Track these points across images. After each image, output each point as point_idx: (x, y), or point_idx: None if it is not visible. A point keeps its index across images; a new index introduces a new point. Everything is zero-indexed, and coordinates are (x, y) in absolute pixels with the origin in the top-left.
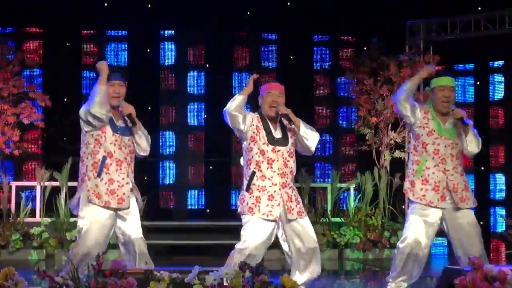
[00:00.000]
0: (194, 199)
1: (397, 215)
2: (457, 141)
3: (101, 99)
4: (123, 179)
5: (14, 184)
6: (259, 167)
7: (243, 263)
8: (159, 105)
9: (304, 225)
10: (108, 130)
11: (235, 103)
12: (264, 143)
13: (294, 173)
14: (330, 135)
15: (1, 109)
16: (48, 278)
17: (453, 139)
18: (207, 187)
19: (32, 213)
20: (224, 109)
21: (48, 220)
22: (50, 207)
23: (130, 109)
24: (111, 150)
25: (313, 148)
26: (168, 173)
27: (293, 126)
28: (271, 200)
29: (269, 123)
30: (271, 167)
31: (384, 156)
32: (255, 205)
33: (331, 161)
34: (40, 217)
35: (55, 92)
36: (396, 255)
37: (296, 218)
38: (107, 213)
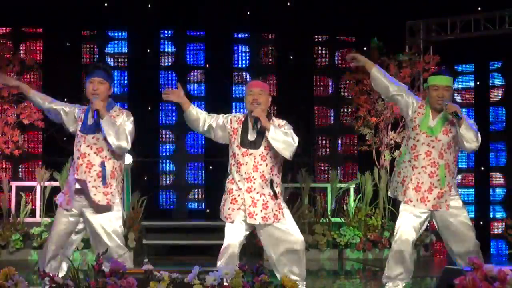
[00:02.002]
0: (194, 199)
1: (397, 215)
2: (441, 141)
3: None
4: (72, 180)
5: (14, 184)
6: (230, 169)
7: (243, 263)
8: (159, 105)
9: (283, 229)
10: (77, 130)
11: (188, 121)
12: (236, 146)
13: (270, 178)
14: (330, 135)
15: (1, 109)
16: (48, 278)
17: (433, 137)
18: (207, 187)
19: (32, 213)
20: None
21: (48, 220)
22: (50, 207)
23: (98, 104)
24: (75, 150)
25: (286, 154)
26: (168, 173)
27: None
28: (234, 204)
29: (250, 124)
30: (239, 171)
31: (384, 156)
32: (222, 208)
33: (331, 161)
34: (40, 217)
35: (55, 92)
36: (390, 254)
37: (260, 223)
38: (65, 213)
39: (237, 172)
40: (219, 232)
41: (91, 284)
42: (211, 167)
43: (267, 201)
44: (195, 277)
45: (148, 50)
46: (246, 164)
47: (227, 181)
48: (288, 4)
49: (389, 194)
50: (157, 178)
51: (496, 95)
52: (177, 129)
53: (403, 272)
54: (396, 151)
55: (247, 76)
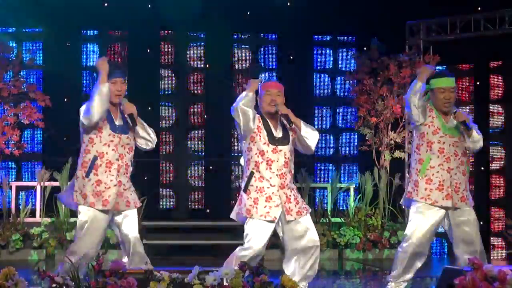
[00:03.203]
0: (194, 199)
1: (397, 215)
2: (460, 139)
3: (100, 98)
4: (111, 181)
5: (14, 184)
6: (258, 167)
7: (243, 263)
8: (159, 105)
9: (304, 224)
10: (105, 129)
11: (246, 99)
12: (264, 143)
13: (293, 172)
14: (330, 135)
15: (1, 109)
16: (48, 278)
17: (457, 137)
18: (207, 187)
19: (32, 213)
20: (234, 106)
21: (48, 220)
22: (50, 207)
23: (132, 109)
24: (103, 151)
25: (313, 148)
26: (168, 173)
27: (293, 126)
28: (269, 202)
29: (269, 122)
30: (270, 168)
31: (384, 156)
32: (253, 207)
33: (331, 161)
34: (40, 217)
35: (55, 92)
36: (399, 255)
37: (295, 218)
38: (101, 214)
39: (267, 169)
40: (219, 232)
41: (91, 284)
42: (211, 167)
43: (297, 196)
44: (195, 277)
45: (148, 50)
46: (277, 161)
47: (252, 179)
48: (288, 4)
49: (425, 201)
50: (157, 178)
51: (496, 95)
52: (177, 129)
53: (412, 273)
54: (397, 151)
55: (247, 76)
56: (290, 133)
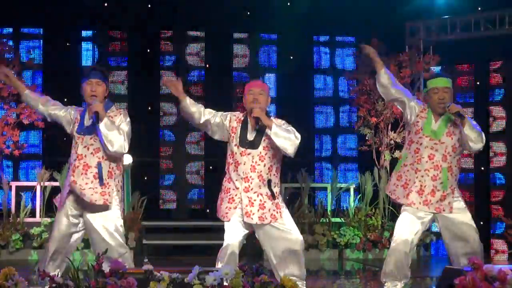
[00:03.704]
0: (194, 199)
1: (397, 215)
2: (445, 143)
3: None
4: (68, 181)
5: (14, 184)
6: (228, 168)
7: (243, 263)
8: (159, 105)
9: (281, 228)
10: (74, 132)
11: (183, 111)
12: (235, 145)
13: (268, 178)
14: (330, 135)
15: (1, 109)
16: (48, 278)
17: (437, 140)
18: (207, 187)
19: (32, 213)
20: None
21: (48, 220)
22: (50, 207)
23: (97, 107)
24: (71, 153)
25: (289, 151)
26: (168, 173)
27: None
28: (231, 203)
29: (250, 123)
30: (237, 170)
31: (384, 156)
32: (219, 206)
33: (331, 161)
34: (40, 217)
35: (55, 92)
36: (389, 254)
37: (257, 223)
38: (61, 216)
39: (234, 171)
40: (219, 232)
41: (91, 284)
42: (211, 167)
43: (265, 201)
44: (195, 277)
45: (148, 50)
46: (244, 164)
47: (224, 180)
48: (288, 4)
49: (386, 192)
50: (157, 178)
51: (496, 95)
52: (177, 129)
53: (401, 273)
54: (396, 151)
55: (247, 76)
56: (264, 137)
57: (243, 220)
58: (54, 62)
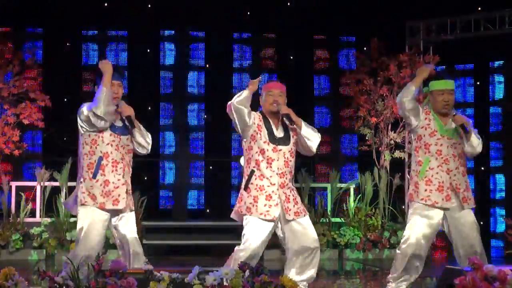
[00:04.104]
0: (194, 199)
1: (397, 215)
2: (459, 141)
3: (107, 100)
4: (118, 180)
5: (14, 184)
6: (258, 166)
7: (243, 263)
8: (159, 105)
9: (304, 224)
10: (106, 130)
11: (241, 97)
12: (265, 142)
13: (293, 173)
14: (330, 135)
15: (1, 109)
16: (48, 278)
17: (455, 139)
18: (207, 187)
19: (32, 213)
20: (229, 103)
21: (48, 220)
22: (50, 207)
23: (129, 111)
24: (107, 151)
25: (314, 149)
26: (168, 173)
27: (294, 126)
28: (269, 200)
29: (271, 121)
30: (270, 167)
31: (384, 156)
32: (253, 205)
33: (331, 161)
34: (40, 217)
35: (55, 92)
36: (398, 256)
37: (294, 219)
38: (104, 214)
39: (267, 168)
40: (219, 232)
41: (91, 284)
42: (211, 167)
43: (296, 196)
44: (195, 277)
45: (148, 50)
46: (278, 160)
47: (252, 177)
48: (288, 4)
49: (425, 202)
50: (157, 178)
51: (496, 95)
52: (177, 129)
53: (412, 274)
54: (397, 151)
55: (247, 76)
56: (291, 134)
57: (280, 218)
58: (54, 61)
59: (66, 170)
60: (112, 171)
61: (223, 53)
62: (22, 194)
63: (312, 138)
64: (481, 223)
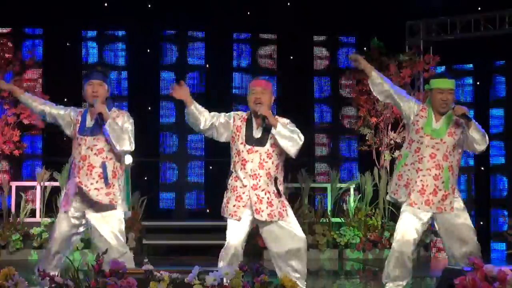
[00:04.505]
0: (194, 199)
1: (397, 215)
2: (445, 142)
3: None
4: (72, 183)
5: (14, 184)
6: (234, 167)
7: (243, 263)
8: (159, 105)
9: (284, 226)
10: (76, 133)
11: (189, 119)
12: (241, 143)
13: (275, 176)
14: (330, 135)
15: (1, 109)
16: (48, 278)
17: (438, 139)
18: (207, 187)
19: (32, 213)
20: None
21: (48, 220)
22: (50, 207)
23: (101, 108)
24: (73, 154)
25: (292, 152)
26: (168, 173)
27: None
28: (239, 201)
29: (254, 121)
30: (244, 168)
31: (384, 156)
32: (226, 206)
33: (331, 161)
34: (40, 217)
35: (55, 92)
36: (390, 255)
37: (266, 220)
38: (64, 216)
39: (241, 169)
40: (219, 232)
41: (91, 284)
42: (211, 167)
43: (272, 199)
44: (195, 277)
45: (148, 50)
46: (252, 161)
47: (230, 178)
48: (288, 4)
49: (387, 198)
50: (157, 178)
51: (496, 95)
52: (177, 129)
53: (402, 273)
54: (397, 151)
55: (247, 76)
56: (271, 135)
57: (250, 218)
58: (54, 62)
59: (66, 170)
60: (72, 174)
61: (223, 53)
62: (22, 194)
63: (285, 140)
64: (481, 223)
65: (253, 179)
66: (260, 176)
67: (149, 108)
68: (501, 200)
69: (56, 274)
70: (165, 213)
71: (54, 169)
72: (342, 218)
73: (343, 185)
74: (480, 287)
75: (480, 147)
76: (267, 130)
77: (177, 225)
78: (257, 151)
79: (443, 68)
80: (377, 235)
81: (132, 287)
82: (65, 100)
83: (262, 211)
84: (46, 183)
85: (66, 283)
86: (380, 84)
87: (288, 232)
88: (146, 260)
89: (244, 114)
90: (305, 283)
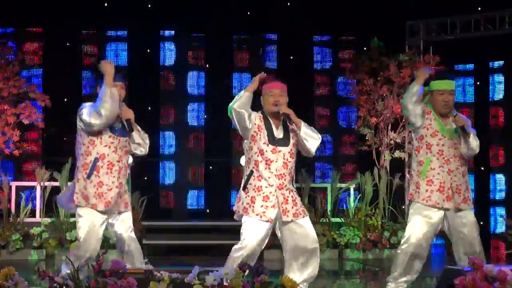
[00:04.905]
0: (194, 199)
1: (397, 215)
2: (459, 141)
3: (113, 100)
4: (112, 182)
5: (14, 184)
6: (257, 166)
7: (243, 263)
8: (159, 105)
9: (303, 225)
10: (106, 131)
11: (241, 100)
12: (264, 143)
13: (293, 174)
14: (330, 135)
15: (1, 109)
16: (48, 278)
17: (455, 139)
18: (207, 187)
19: (32, 213)
20: (229, 105)
21: (48, 220)
22: (50, 207)
23: (129, 114)
24: (104, 152)
25: (313, 151)
26: (168, 173)
27: (294, 126)
28: (266, 201)
29: (272, 122)
30: (269, 168)
31: (384, 156)
32: (250, 206)
33: (331, 161)
34: (40, 217)
35: (55, 92)
36: (398, 256)
37: (292, 220)
38: (100, 216)
39: (266, 169)
40: (219, 232)
41: (91, 284)
42: (211, 167)
43: (295, 198)
44: (195, 277)
45: (148, 50)
46: (277, 161)
47: (251, 178)
48: (288, 4)
49: (426, 203)
50: (157, 178)
51: (496, 95)
52: (177, 129)
53: (412, 275)
54: (397, 151)
55: (247, 76)
56: (292, 135)
57: (277, 219)
58: (54, 62)
59: (66, 170)
60: (107, 173)
61: (223, 53)
62: (22, 194)
63: (311, 140)
64: (481, 223)
65: (278, 179)
66: (285, 176)
67: (149, 108)
68: (501, 200)
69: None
70: (165, 213)
71: (54, 169)
72: (342, 218)
73: (343, 185)
74: (480, 287)
75: (473, 153)
76: (287, 130)
77: (177, 225)
78: (280, 151)
79: (443, 68)
80: (377, 235)
81: (132, 287)
82: (65, 100)
83: (288, 211)
84: (46, 183)
85: (66, 283)
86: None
87: (305, 231)
88: (146, 260)
89: (260, 114)
90: (306, 284)
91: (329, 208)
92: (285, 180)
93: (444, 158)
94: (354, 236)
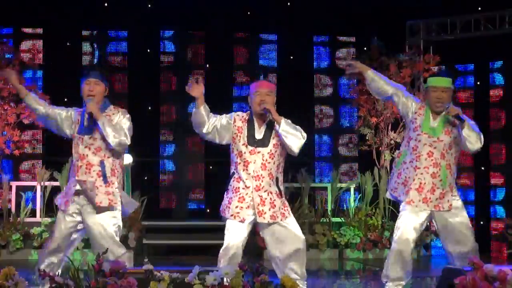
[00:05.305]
0: (194, 199)
1: (397, 215)
2: (443, 141)
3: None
4: (72, 182)
5: (14, 184)
6: (236, 168)
7: (243, 263)
8: (159, 105)
9: (287, 226)
10: (75, 132)
11: (194, 122)
12: (243, 144)
13: (276, 176)
14: (330, 135)
15: (1, 109)
16: (48, 278)
17: (436, 138)
18: (207, 187)
19: (32, 213)
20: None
21: (48, 220)
22: (50, 207)
23: (92, 107)
24: (72, 153)
25: (294, 149)
26: (168, 173)
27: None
28: (241, 202)
29: (256, 122)
30: (246, 169)
31: (384, 156)
32: (227, 207)
33: (331, 161)
34: (40, 217)
35: (55, 92)
36: (388, 254)
37: (269, 222)
38: (63, 215)
39: (244, 170)
40: (219, 232)
41: (91, 284)
42: (211, 167)
43: (274, 200)
44: (195, 277)
45: (148, 50)
46: (254, 163)
47: (232, 179)
48: (288, 4)
49: (386, 195)
50: (157, 178)
51: (496, 95)
52: (177, 129)
53: (402, 272)
54: (397, 151)
55: (246, 76)
56: (273, 135)
57: (252, 219)
58: (54, 62)
59: (66, 170)
60: (72, 172)
61: (223, 53)
62: (22, 194)
63: (290, 137)
64: (481, 223)
65: (256, 180)
66: (263, 177)
67: (149, 108)
68: (501, 200)
69: (57, 274)
70: (165, 213)
71: (54, 169)
72: (342, 218)
73: (343, 185)
74: (480, 287)
75: (474, 146)
76: (269, 130)
77: (177, 225)
78: (259, 152)
79: (443, 68)
80: (378, 235)
81: (132, 287)
82: (65, 100)
83: (265, 213)
84: (46, 183)
85: (66, 283)
86: (375, 81)
87: (288, 232)
88: (146, 260)
89: (245, 115)
90: (306, 283)
91: (329, 208)
92: (262, 181)
93: (415, 154)
94: (355, 236)
